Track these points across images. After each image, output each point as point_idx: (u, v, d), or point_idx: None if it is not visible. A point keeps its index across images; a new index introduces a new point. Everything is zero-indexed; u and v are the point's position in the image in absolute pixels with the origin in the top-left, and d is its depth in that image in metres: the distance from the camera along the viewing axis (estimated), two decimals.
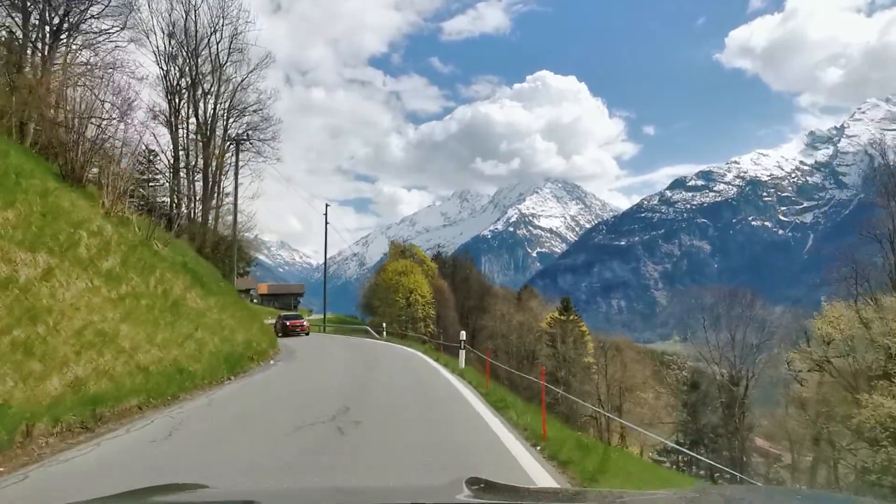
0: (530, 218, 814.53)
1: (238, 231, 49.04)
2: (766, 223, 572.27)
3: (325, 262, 53.46)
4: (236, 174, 49.58)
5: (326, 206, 52.69)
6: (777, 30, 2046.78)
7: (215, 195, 51.11)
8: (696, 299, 58.65)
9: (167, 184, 48.28)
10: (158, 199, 44.78)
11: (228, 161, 52.52)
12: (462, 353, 24.73)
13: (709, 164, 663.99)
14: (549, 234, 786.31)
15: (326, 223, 50.52)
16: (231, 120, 54.87)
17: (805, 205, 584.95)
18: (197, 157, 51.23)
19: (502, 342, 69.75)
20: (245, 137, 52.71)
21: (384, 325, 50.62)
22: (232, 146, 51.93)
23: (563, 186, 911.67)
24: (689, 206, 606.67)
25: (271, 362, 25.30)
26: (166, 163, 48.71)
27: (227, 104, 54.01)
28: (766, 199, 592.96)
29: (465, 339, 26.81)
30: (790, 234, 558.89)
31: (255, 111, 54.95)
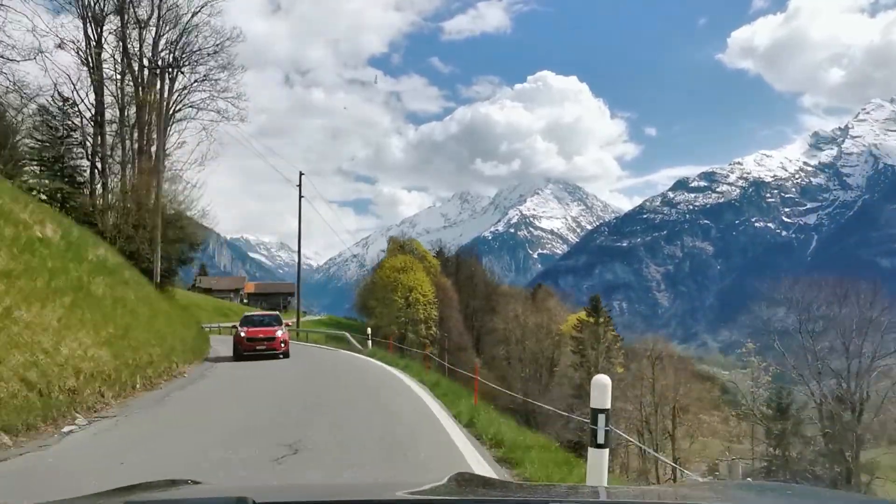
0: (531, 219, 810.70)
1: (179, 206, 38.68)
2: (770, 224, 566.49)
3: (298, 248, 44.22)
4: (161, 121, 38.98)
5: (301, 174, 42.51)
6: (779, 30, 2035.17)
7: (158, 162, 39.40)
8: (783, 294, 47.00)
9: (88, 143, 36.76)
10: (77, 165, 35.56)
11: (179, 125, 43.06)
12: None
13: (711, 165, 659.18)
14: (550, 236, 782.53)
15: (301, 196, 41.13)
16: (182, 64, 43.04)
17: (809, 206, 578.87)
18: (125, 109, 38.67)
19: (516, 347, 62.03)
20: (176, 64, 41.18)
21: (369, 330, 35.71)
22: (182, 98, 41.89)
23: (564, 187, 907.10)
24: (691, 207, 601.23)
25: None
26: (88, 116, 36.82)
27: (174, 44, 42.45)
28: (770, 200, 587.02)
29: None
30: (793, 235, 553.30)
31: (211, 53, 42.65)
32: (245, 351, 27.00)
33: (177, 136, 41.99)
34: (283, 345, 27.66)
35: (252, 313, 31.89)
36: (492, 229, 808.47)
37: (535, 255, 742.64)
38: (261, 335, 27.59)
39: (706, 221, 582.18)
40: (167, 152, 39.43)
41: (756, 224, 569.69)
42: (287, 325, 30.97)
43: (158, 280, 30.35)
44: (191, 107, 42.20)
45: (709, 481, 6.52)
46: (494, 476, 7.19)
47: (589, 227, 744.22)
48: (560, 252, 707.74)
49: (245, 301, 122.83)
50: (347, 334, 35.74)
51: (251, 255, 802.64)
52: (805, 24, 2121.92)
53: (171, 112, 40.65)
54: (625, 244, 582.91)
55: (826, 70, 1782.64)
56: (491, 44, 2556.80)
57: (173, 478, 3.33)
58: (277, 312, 33.26)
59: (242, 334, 27.45)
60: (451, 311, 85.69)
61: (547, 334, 59.34)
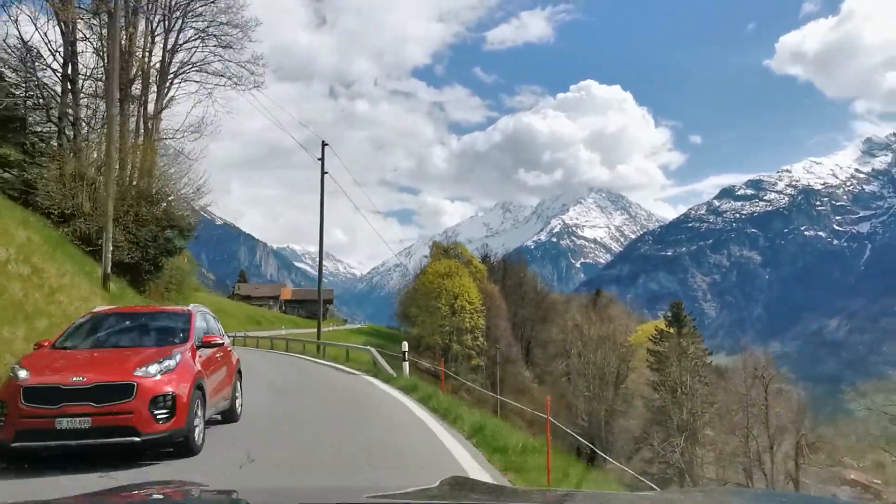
0: (574, 228, 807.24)
1: (164, 180, 31.20)
2: (820, 233, 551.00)
3: (320, 237, 36.34)
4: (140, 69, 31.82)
5: (324, 143, 34.10)
6: (831, 34, 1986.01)
7: (143, 128, 33.50)
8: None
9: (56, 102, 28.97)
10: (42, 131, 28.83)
11: (176, 90, 36.36)
12: None
13: (758, 173, 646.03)
14: (592, 245, 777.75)
15: (323, 172, 33.65)
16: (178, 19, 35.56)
17: (861, 214, 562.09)
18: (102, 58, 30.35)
19: (578, 361, 55.68)
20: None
21: (405, 347, 24.61)
22: (180, 54, 35.01)
23: (607, 196, 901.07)
24: (738, 215, 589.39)
25: None
26: (57, 71, 29.66)
27: None
28: (820, 208, 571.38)
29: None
30: (845, 244, 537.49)
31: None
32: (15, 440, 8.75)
33: (170, 103, 35.36)
34: (165, 412, 9.19)
35: (101, 311, 12.00)
36: (534, 238, 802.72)
37: (578, 265, 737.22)
38: (80, 384, 8.86)
39: (753, 230, 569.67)
40: (153, 114, 33.33)
41: (806, 233, 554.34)
42: (246, 336, 24.56)
43: (108, 272, 20.41)
44: (190, 66, 36.22)
45: (704, 488, 6.66)
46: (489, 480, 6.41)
47: (632, 237, 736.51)
48: (603, 261, 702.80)
49: (282, 308, 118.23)
50: (374, 352, 25.97)
51: (296, 264, 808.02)
52: (858, 27, 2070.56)
53: (160, 67, 34.35)
54: (669, 253, 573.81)
55: (881, 74, 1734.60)
56: (533, 53, 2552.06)
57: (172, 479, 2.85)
58: (187, 310, 12.24)
59: (22, 380, 8.98)
60: (498, 320, 79.85)
61: (613, 346, 52.86)
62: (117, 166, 23.89)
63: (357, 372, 23.57)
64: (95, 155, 26.64)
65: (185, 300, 67.59)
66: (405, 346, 24.04)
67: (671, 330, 50.99)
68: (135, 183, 28.99)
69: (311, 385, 19.14)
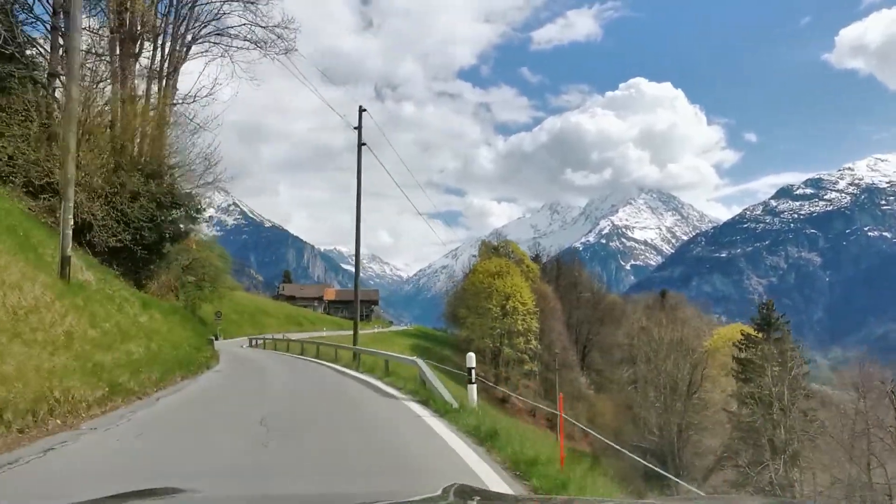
0: (623, 229, 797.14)
1: (168, 151, 26.26)
2: (885, 233, 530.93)
3: (356, 220, 29.07)
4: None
5: (361, 108, 27.37)
6: (895, 25, 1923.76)
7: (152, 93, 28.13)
8: None
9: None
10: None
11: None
12: None
13: (818, 171, 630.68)
14: (643, 246, 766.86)
15: (361, 143, 27.76)
16: None
17: None
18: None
19: (646, 368, 50.42)
20: None
21: (472, 360, 14.92)
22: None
23: (657, 197, 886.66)
24: (796, 216, 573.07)
25: None
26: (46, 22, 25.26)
27: None
28: (885, 207, 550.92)
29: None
30: None
31: None
32: None
33: (183, 63, 30.79)
34: None
35: None
36: (582, 240, 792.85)
37: (628, 267, 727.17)
38: None
39: (813, 231, 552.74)
40: (162, 75, 28.59)
41: (870, 233, 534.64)
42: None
43: (66, 254, 14.68)
44: (207, 25, 31.52)
45: (708, 496, 5.76)
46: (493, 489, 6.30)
47: (685, 238, 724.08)
48: (654, 263, 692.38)
49: (326, 310, 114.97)
50: (423, 366, 17.62)
51: (343, 266, 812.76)
52: None
53: (173, 26, 30.00)
54: (724, 255, 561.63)
55: None
56: (581, 52, 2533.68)
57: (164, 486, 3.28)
58: None
59: None
60: (553, 323, 74.96)
61: (685, 352, 47.44)
62: (80, 109, 17.63)
63: (398, 394, 16.12)
64: (83, 113, 20.32)
65: (220, 299, 64.47)
66: (472, 360, 14.98)
67: (760, 335, 45.36)
68: (131, 150, 24.31)
69: (325, 419, 11.86)
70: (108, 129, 22.58)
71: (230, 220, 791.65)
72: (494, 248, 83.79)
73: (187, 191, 26.06)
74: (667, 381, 45.93)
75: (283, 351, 40.06)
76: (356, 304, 29.79)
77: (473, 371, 14.57)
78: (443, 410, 12.68)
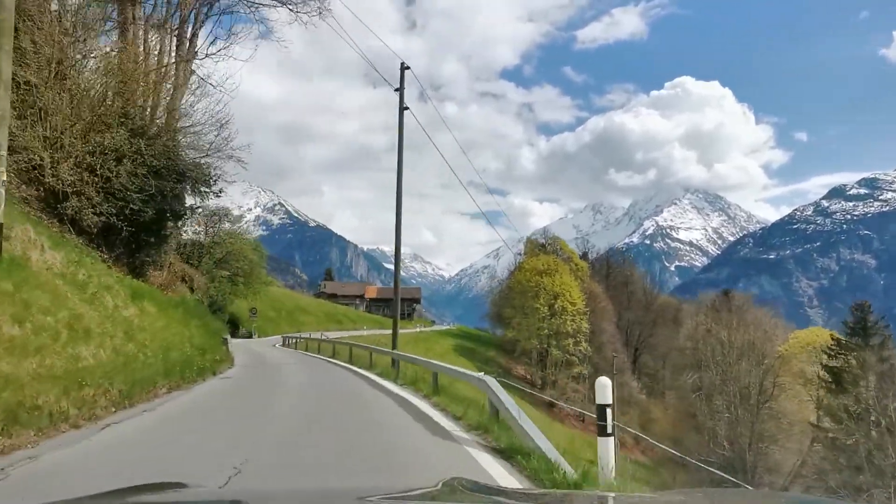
0: (668, 230, 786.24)
1: (174, 113, 22.51)
2: None
3: (398, 193, 23.77)
4: None
5: (403, 65, 23.14)
6: None
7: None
8: None
9: None
10: None
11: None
12: None
13: (873, 170, 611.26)
14: (688, 247, 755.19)
15: (402, 108, 23.72)
16: None
17: None
18: None
19: (713, 374, 46.51)
20: None
21: (607, 402, 7.00)
22: None
23: (703, 197, 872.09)
24: (849, 216, 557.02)
25: None
26: None
27: None
28: None
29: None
30: None
31: None
32: None
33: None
34: None
35: None
36: (626, 241, 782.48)
37: (672, 268, 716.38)
38: None
39: (867, 232, 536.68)
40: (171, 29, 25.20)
41: None
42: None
43: None
44: None
45: (704, 490, 3.72)
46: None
47: (731, 239, 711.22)
48: (699, 265, 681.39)
49: (367, 308, 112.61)
50: (494, 388, 10.82)
51: (385, 265, 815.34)
52: None
53: None
54: (772, 256, 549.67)
55: None
56: (626, 50, 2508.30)
57: (168, 480, 3.22)
58: None
59: None
60: (603, 324, 71.37)
61: (757, 358, 43.36)
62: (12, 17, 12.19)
63: (456, 430, 10.40)
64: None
65: (254, 294, 62.33)
66: (606, 390, 7.49)
67: (852, 342, 41.02)
68: (119, 106, 19.16)
69: (337, 473, 7.25)
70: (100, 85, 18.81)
71: (275, 220, 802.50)
72: (541, 246, 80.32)
73: (194, 159, 22.04)
74: (737, 388, 42.09)
75: (314, 352, 36.99)
76: (396, 301, 25.01)
77: (610, 413, 7.52)
78: (548, 480, 6.98)
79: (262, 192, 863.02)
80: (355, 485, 6.41)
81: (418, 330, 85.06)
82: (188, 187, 21.05)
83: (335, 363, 26.36)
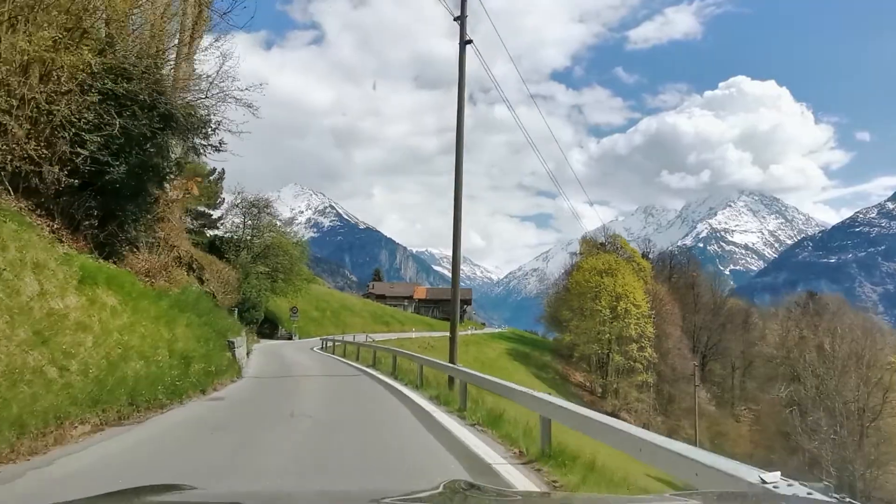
0: (722, 233, 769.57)
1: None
2: None
3: (457, 139, 19.06)
4: None
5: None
6: None
7: None
8: None
9: None
10: None
11: None
12: None
13: None
14: (743, 251, 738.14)
15: (464, 42, 19.00)
16: None
17: None
18: None
19: (811, 387, 41.27)
20: None
21: None
22: None
23: (759, 199, 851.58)
24: None
25: None
26: None
27: None
28: None
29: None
30: None
31: None
32: None
33: None
34: None
35: None
36: (679, 243, 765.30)
37: (727, 272, 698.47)
38: None
39: None
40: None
41: None
42: None
43: None
44: None
45: (704, 494, 3.85)
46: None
47: (789, 242, 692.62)
48: (755, 268, 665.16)
49: (416, 309, 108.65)
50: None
51: (435, 267, 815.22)
52: None
53: None
54: (832, 260, 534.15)
55: None
56: (679, 50, 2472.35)
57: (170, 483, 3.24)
58: None
59: None
60: (669, 328, 66.35)
61: (863, 370, 37.99)
62: None
63: None
64: None
65: (295, 292, 58.66)
66: None
67: None
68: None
69: None
70: None
71: (326, 222, 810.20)
72: (601, 244, 75.46)
73: (186, 100, 16.37)
74: (839, 404, 36.78)
75: (352, 358, 31.74)
76: (454, 304, 19.28)
77: None
78: None
79: (314, 195, 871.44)
80: (351, 486, 6.41)
81: (469, 332, 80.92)
82: (175, 135, 15.51)
83: (374, 375, 21.39)
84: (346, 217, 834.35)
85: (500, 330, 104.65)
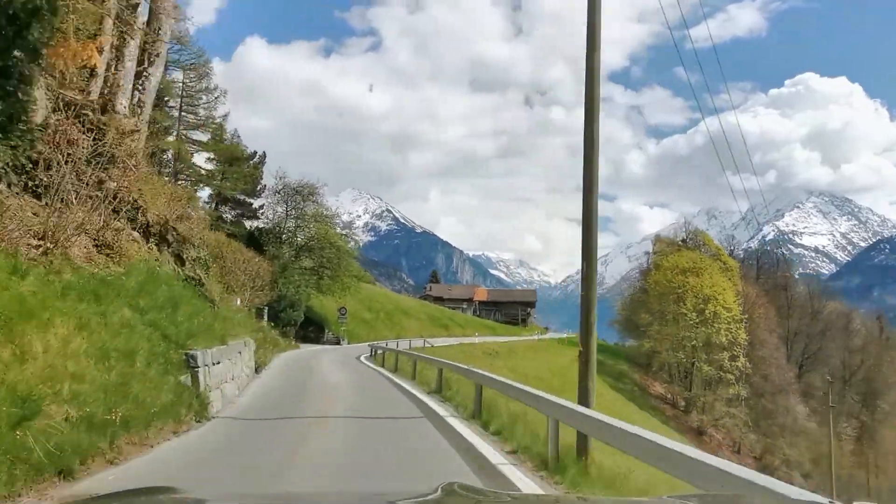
0: (790, 236, 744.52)
1: None
2: None
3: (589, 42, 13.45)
4: None
5: None
6: None
7: None
8: None
9: None
10: None
11: None
12: None
13: None
14: (813, 254, 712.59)
15: None
16: None
17: None
18: None
19: None
20: None
21: None
22: None
23: (829, 200, 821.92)
24: None
25: None
26: None
27: None
28: None
29: None
30: None
31: None
32: None
33: None
34: None
35: None
36: (744, 246, 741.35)
37: (796, 276, 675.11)
38: None
39: None
40: None
41: None
42: None
43: None
44: None
45: (700, 496, 4.01)
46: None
47: (863, 245, 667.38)
48: (826, 272, 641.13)
49: (476, 311, 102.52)
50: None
51: (491, 271, 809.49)
52: None
53: None
54: None
55: None
56: (742, 48, 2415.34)
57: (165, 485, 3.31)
58: None
59: None
60: (762, 334, 59.17)
61: None
62: None
63: None
64: None
65: (344, 290, 52.64)
66: None
67: None
68: None
69: None
70: None
71: (383, 226, 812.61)
72: (682, 241, 68.25)
73: None
74: None
75: (406, 375, 23.12)
76: (587, 313, 13.34)
77: None
78: None
79: (371, 199, 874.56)
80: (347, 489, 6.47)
81: (537, 338, 74.94)
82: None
83: (444, 420, 13.05)
84: (402, 220, 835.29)
85: (566, 335, 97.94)
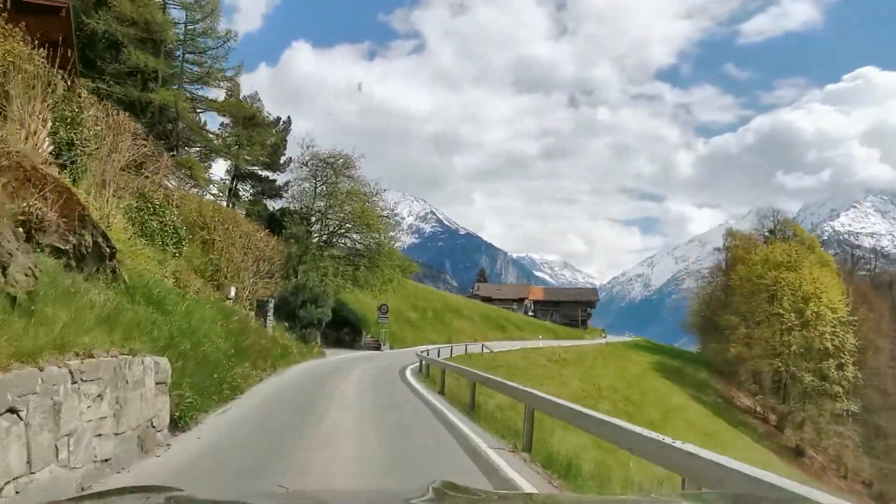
0: (847, 236, 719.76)
1: None
2: None
3: None
4: None
5: None
6: None
7: None
8: None
9: None
10: None
11: None
12: None
13: None
14: (871, 255, 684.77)
15: None
16: None
17: None
18: None
19: None
20: None
21: None
22: None
23: (890, 199, 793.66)
24: None
25: None
26: None
27: None
28: None
29: None
30: None
31: None
32: None
33: None
34: None
35: None
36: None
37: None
38: None
39: None
40: None
41: None
42: None
43: None
44: None
45: (695, 493, 4.32)
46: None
47: None
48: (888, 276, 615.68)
49: (530, 312, 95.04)
50: None
51: (536, 273, 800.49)
52: None
53: None
54: None
55: None
56: (796, 42, 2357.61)
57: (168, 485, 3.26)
58: None
59: None
60: (876, 339, 50.93)
61: None
62: None
63: None
64: None
65: (383, 285, 44.92)
66: None
67: None
68: None
69: None
70: None
71: (427, 228, 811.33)
72: (770, 232, 60.17)
73: None
74: None
75: (483, 423, 13.33)
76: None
77: None
78: None
79: (415, 202, 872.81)
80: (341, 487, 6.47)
81: (604, 341, 67.39)
82: None
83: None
84: (446, 223, 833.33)
85: (633, 339, 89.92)
